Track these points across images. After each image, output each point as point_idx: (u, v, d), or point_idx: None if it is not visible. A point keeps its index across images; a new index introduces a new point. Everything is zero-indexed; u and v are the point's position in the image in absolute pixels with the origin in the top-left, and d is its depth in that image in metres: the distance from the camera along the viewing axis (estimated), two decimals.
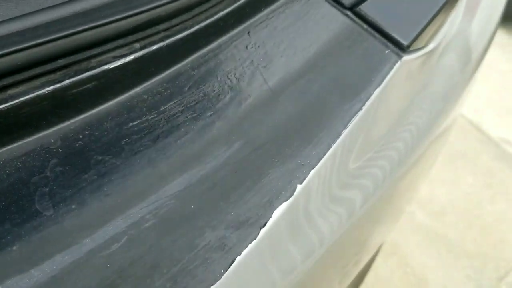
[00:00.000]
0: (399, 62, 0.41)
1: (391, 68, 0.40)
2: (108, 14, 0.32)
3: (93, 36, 0.31)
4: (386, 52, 0.41)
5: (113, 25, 0.32)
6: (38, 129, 0.32)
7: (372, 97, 0.39)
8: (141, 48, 0.35)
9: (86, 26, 0.31)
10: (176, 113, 0.36)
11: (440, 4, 0.44)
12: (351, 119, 0.38)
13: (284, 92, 0.38)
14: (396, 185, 0.50)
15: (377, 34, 0.42)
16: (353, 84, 0.39)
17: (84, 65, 0.33)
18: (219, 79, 0.37)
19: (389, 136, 0.44)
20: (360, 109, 0.38)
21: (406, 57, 0.42)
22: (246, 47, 0.39)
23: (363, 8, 0.42)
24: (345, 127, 0.37)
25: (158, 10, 0.33)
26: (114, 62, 0.34)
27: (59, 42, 0.30)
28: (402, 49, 0.42)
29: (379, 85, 0.40)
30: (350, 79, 0.39)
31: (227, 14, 0.38)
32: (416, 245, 1.60)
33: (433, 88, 0.54)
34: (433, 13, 0.43)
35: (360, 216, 0.41)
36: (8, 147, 0.31)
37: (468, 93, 0.71)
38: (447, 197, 1.73)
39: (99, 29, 0.31)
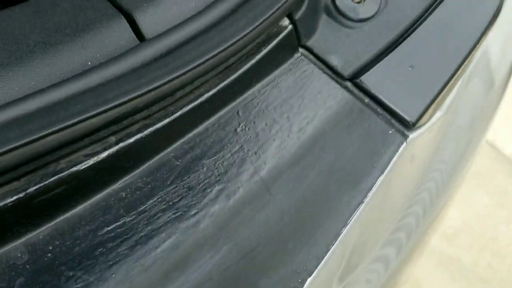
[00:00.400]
0: (404, 143, 0.38)
1: (396, 151, 0.38)
2: (76, 111, 0.29)
3: (60, 139, 0.29)
4: (390, 132, 0.38)
5: (83, 124, 0.29)
6: (1, 242, 0.29)
7: (375, 186, 0.36)
8: (117, 142, 0.32)
9: (51, 130, 0.28)
10: (157, 213, 0.33)
11: (450, 73, 0.41)
12: (352, 214, 0.35)
13: (276, 182, 0.35)
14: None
15: (379, 109, 0.39)
16: (353, 171, 0.37)
17: (51, 168, 0.30)
18: (205, 169, 0.35)
19: (400, 217, 0.41)
20: (362, 202, 0.36)
21: (413, 135, 0.39)
22: (235, 129, 0.36)
23: (364, 79, 0.39)
24: (345, 225, 0.35)
25: (135, 102, 0.30)
26: (86, 162, 0.31)
27: (19, 150, 0.27)
28: (407, 127, 0.39)
29: (382, 172, 0.37)
30: (350, 165, 0.37)
31: (214, 95, 0.35)
32: (429, 270, 1.57)
33: (458, 123, 0.51)
34: (442, 83, 0.40)
35: None
36: None
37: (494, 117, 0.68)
38: (461, 219, 1.69)
39: (66, 131, 0.28)
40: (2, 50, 0.32)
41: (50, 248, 0.31)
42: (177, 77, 0.32)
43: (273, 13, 0.34)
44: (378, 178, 0.37)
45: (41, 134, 0.28)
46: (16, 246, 0.30)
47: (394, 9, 0.42)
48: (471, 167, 0.70)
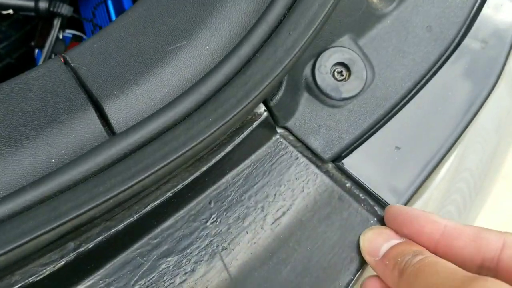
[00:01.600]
0: None
1: None
2: (27, 229, 0.28)
3: (11, 258, 0.28)
4: (372, 221, 0.37)
5: (35, 241, 0.28)
6: None
7: (352, 282, 0.34)
8: (75, 249, 0.31)
9: (2, 251, 0.27)
10: None
11: (440, 155, 0.38)
12: None
13: (247, 281, 0.34)
14: None
15: (362, 195, 0.37)
16: (329, 267, 0.35)
17: (6, 281, 0.30)
18: (171, 267, 0.34)
19: None
20: None
21: None
22: (206, 222, 0.35)
23: (347, 162, 0.38)
24: None
25: (92, 212, 0.29)
26: (42, 272, 0.30)
27: None
28: None
29: (361, 267, 0.35)
30: (327, 260, 0.35)
31: (183, 189, 0.34)
32: None
33: (484, 127, 0.48)
34: (431, 167, 0.38)
35: None
36: None
37: None
38: (488, 225, 1.64)
39: (16, 250, 0.27)
40: None
41: None
42: (138, 182, 0.31)
43: (243, 108, 0.33)
44: (356, 274, 0.35)
45: None
46: None
47: (380, 85, 0.40)
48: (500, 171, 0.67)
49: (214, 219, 0.36)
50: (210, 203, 0.36)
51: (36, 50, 0.73)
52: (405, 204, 0.38)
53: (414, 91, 0.41)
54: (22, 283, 0.30)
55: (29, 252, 0.29)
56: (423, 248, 0.33)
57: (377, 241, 0.34)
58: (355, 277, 0.35)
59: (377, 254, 0.34)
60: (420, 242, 0.34)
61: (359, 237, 0.36)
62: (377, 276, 0.34)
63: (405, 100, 0.40)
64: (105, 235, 0.32)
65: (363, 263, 0.36)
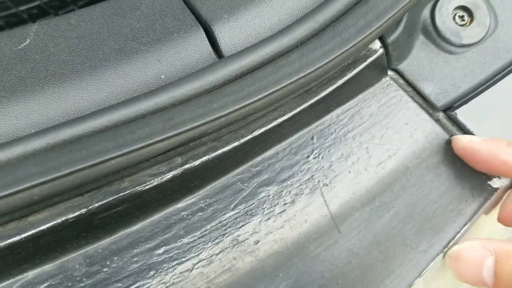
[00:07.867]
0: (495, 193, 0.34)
1: (487, 198, 0.33)
2: (143, 135, 0.28)
3: (125, 161, 0.28)
4: (484, 176, 0.34)
5: (149, 148, 0.28)
6: (61, 253, 0.30)
7: (458, 235, 0.33)
8: (183, 164, 0.32)
9: (116, 154, 0.28)
10: (216, 238, 0.32)
11: None
12: (427, 265, 0.32)
13: (347, 220, 0.33)
14: None
15: None
16: (435, 217, 0.33)
17: (115, 186, 0.30)
18: (271, 196, 0.33)
19: None
20: (441, 251, 0.32)
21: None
22: (308, 156, 0.34)
23: (461, 113, 0.36)
24: (419, 275, 0.31)
25: (204, 127, 0.29)
26: (150, 182, 0.31)
27: (83, 172, 0.27)
28: None
29: (469, 220, 0.33)
30: (432, 209, 0.34)
31: (289, 119, 0.33)
32: None
33: None
34: None
35: None
36: (23, 275, 0.29)
37: None
38: None
39: (131, 155, 0.28)
40: (78, 55, 0.32)
41: (108, 263, 0.31)
42: (251, 103, 0.30)
43: (363, 39, 0.31)
44: (463, 227, 0.33)
45: (105, 158, 0.28)
46: (75, 257, 0.31)
47: (503, 35, 0.38)
48: None
49: (316, 154, 0.35)
50: (312, 138, 0.35)
51: None
52: None
53: None
54: (131, 190, 0.30)
55: (142, 159, 0.29)
56: None
57: None
58: (461, 230, 0.34)
59: None
60: None
61: None
62: None
63: None
64: (211, 154, 0.32)
65: (471, 217, 0.34)
